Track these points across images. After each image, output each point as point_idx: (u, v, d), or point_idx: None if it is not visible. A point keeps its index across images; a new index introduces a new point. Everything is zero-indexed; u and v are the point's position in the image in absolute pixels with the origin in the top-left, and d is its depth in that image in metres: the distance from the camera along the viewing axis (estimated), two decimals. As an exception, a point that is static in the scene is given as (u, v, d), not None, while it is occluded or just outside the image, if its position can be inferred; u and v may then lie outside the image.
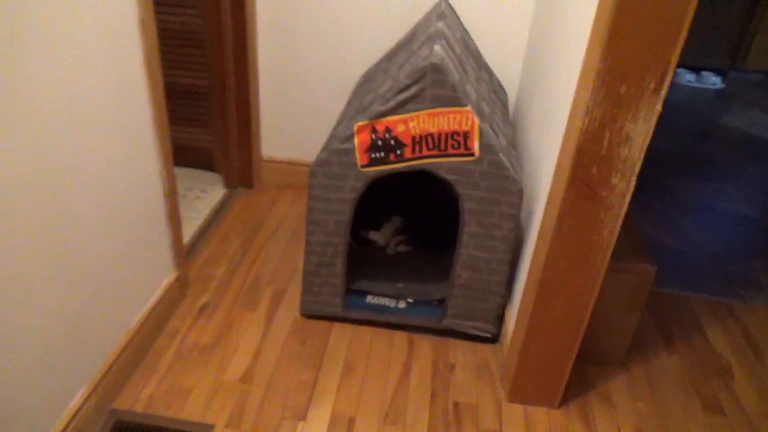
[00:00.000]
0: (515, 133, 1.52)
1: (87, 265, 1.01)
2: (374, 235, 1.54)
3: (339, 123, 1.31)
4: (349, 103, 1.43)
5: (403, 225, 1.58)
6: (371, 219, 1.57)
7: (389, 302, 1.40)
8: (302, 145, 1.89)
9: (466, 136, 1.12)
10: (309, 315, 1.38)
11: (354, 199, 1.21)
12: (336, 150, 1.18)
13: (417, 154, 1.15)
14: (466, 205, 1.19)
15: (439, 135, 1.12)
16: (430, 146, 1.14)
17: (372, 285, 1.42)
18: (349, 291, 1.38)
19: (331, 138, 1.22)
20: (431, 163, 1.15)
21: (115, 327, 1.15)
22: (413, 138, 1.13)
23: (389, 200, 1.58)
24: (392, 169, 1.17)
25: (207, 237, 1.66)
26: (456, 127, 1.11)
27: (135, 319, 1.23)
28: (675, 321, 1.49)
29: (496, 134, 1.20)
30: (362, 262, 1.45)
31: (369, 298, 1.42)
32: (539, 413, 1.17)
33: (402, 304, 1.40)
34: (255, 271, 1.54)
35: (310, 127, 1.86)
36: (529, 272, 1.11)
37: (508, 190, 1.17)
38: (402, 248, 1.55)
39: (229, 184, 1.91)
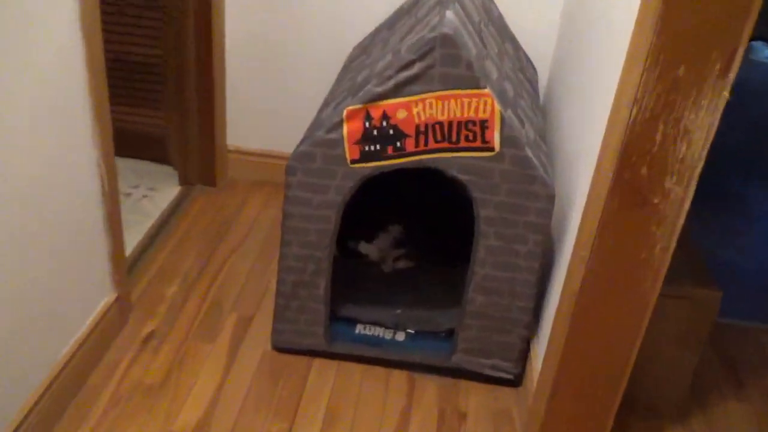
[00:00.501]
0: (546, 123, 1.53)
1: (0, 284, 1.00)
2: (366, 248, 1.56)
3: (325, 106, 1.32)
4: (338, 82, 1.44)
5: (404, 235, 1.59)
6: (363, 228, 1.57)
7: (385, 333, 1.42)
8: (278, 134, 1.89)
9: (483, 125, 1.12)
10: (283, 348, 1.39)
11: (342, 203, 1.22)
12: (320, 140, 1.18)
13: (422, 148, 1.16)
14: (483, 213, 1.20)
15: (450, 124, 1.13)
16: (439, 138, 1.15)
17: (363, 311, 1.43)
18: (334, 318, 1.38)
19: (315, 125, 1.23)
20: (439, 158, 1.16)
21: (37, 361, 1.13)
22: (417, 127, 1.14)
23: (386, 205, 1.58)
24: (390, 165, 1.17)
25: (156, 247, 1.66)
26: (471, 115, 1.12)
27: (63, 351, 1.22)
28: (744, 360, 1.50)
29: (522, 123, 1.20)
30: (351, 282, 1.46)
31: (359, 328, 1.43)
32: (572, 477, 1.18)
33: (401, 336, 1.42)
34: (215, 291, 1.55)
35: (288, 110, 1.86)
36: (561, 298, 1.12)
37: (536, 195, 1.18)
38: (402, 264, 1.56)
39: (186, 180, 1.91)
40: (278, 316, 1.35)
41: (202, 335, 1.42)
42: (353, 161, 1.18)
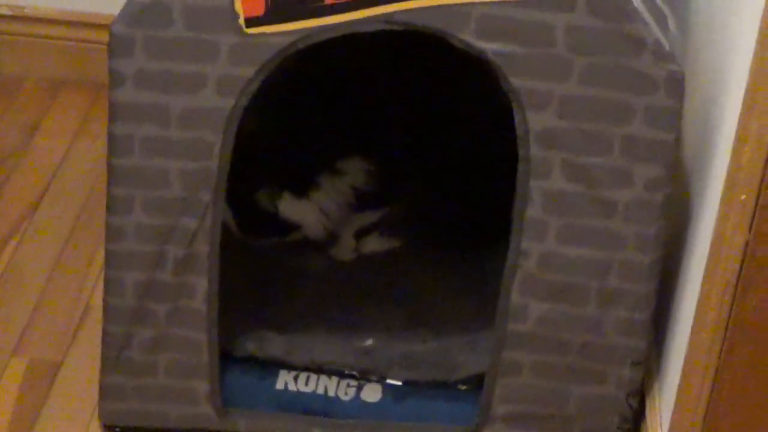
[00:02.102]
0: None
1: None
2: (295, 209, 1.56)
3: None
4: None
5: (374, 183, 1.60)
6: (288, 170, 1.57)
7: (339, 388, 1.42)
8: None
9: None
10: (124, 428, 1.39)
11: (233, 114, 1.22)
12: None
13: None
14: (537, 124, 1.20)
15: None
16: None
17: (293, 344, 1.42)
18: (229, 361, 1.38)
19: None
20: (435, 8, 1.14)
21: None
22: None
23: (332, 125, 1.62)
24: (330, 27, 1.17)
25: None
26: None
27: None
28: None
29: None
30: (265, 282, 1.51)
31: (284, 379, 1.42)
32: None
33: (372, 393, 1.41)
34: None
35: None
36: (700, 304, 1.15)
37: (645, 77, 1.17)
38: (373, 245, 1.59)
39: None
40: (110, 360, 1.34)
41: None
42: (253, 21, 1.17)
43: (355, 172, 1.61)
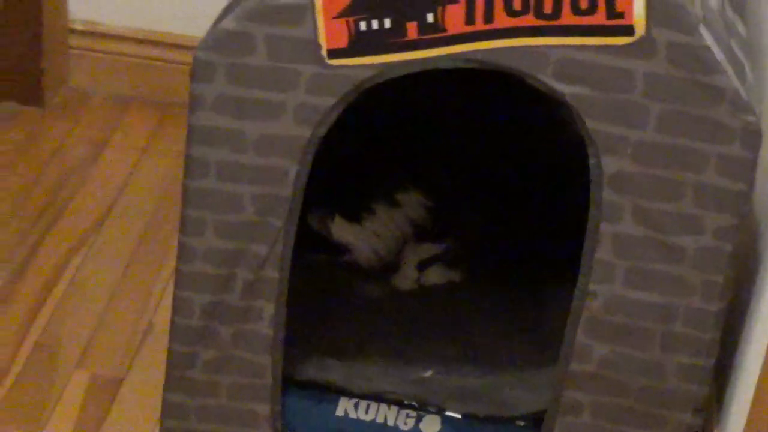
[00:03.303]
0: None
1: None
2: (343, 231, 1.56)
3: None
4: None
5: (431, 215, 1.60)
6: (345, 192, 1.58)
7: (399, 418, 1.42)
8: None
9: None
10: None
11: (309, 143, 1.22)
12: (263, 9, 1.17)
13: (479, 25, 1.15)
14: (610, 167, 1.20)
15: None
16: (518, 6, 1.15)
17: (352, 372, 1.43)
18: (292, 386, 1.40)
19: None
20: (517, 49, 1.16)
21: None
22: None
23: (395, 154, 1.61)
24: (411, 63, 1.18)
25: None
26: None
27: None
28: None
29: None
30: (329, 306, 1.51)
31: (343, 406, 1.42)
32: None
33: (431, 423, 1.41)
34: (44, 324, 1.58)
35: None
36: None
37: (722, 127, 1.17)
38: (436, 276, 1.58)
39: None
40: (173, 379, 1.35)
41: (15, 417, 1.44)
42: (335, 52, 1.17)
43: (412, 205, 1.59)
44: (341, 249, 1.57)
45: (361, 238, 1.57)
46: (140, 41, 1.97)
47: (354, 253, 1.57)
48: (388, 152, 1.61)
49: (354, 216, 1.57)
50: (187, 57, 1.24)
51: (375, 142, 1.59)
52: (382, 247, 1.58)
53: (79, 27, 1.96)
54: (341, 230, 1.56)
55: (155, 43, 1.97)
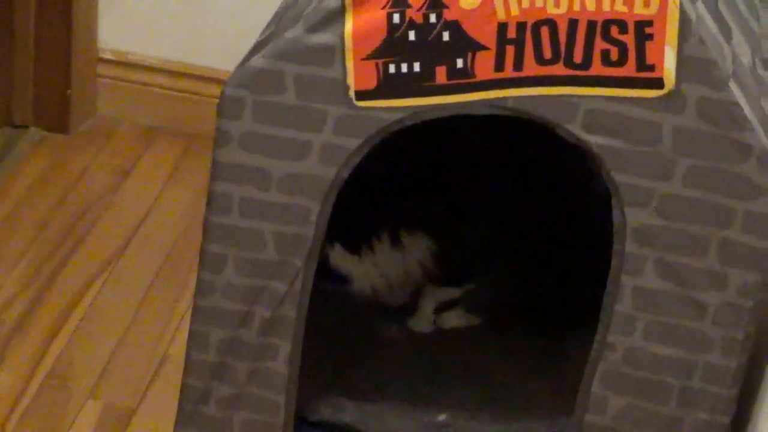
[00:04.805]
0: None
1: None
2: (341, 260, 1.55)
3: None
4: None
5: (447, 259, 1.59)
6: (347, 224, 1.54)
7: None
8: (200, 31, 1.95)
9: (642, 31, 1.13)
10: None
11: (334, 183, 1.22)
12: (293, 48, 1.18)
13: (509, 73, 1.16)
14: (635, 220, 1.20)
15: (573, 24, 1.14)
16: (547, 54, 1.15)
17: (367, 414, 1.43)
18: (305, 425, 1.38)
19: (281, 17, 1.25)
20: (546, 98, 1.16)
21: None
22: (502, 28, 1.14)
23: (425, 191, 1.59)
24: (440, 108, 1.18)
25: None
26: (619, 8, 1.13)
27: None
28: None
29: (726, 33, 1.21)
30: (344, 346, 1.51)
31: None
32: None
33: None
34: (60, 353, 1.58)
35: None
36: None
37: (749, 184, 1.17)
38: (454, 319, 1.59)
39: (10, 119, 1.94)
40: (186, 413, 1.34)
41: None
42: (363, 94, 1.17)
43: (419, 247, 1.58)
44: (341, 278, 1.56)
45: (357, 270, 1.56)
46: (169, 72, 1.99)
47: (353, 285, 1.57)
48: (397, 192, 1.59)
49: (355, 248, 1.56)
50: (215, 90, 1.26)
51: (386, 180, 1.57)
52: (380, 283, 1.57)
53: (108, 56, 1.98)
54: (340, 259, 1.56)
55: (183, 75, 1.98)
